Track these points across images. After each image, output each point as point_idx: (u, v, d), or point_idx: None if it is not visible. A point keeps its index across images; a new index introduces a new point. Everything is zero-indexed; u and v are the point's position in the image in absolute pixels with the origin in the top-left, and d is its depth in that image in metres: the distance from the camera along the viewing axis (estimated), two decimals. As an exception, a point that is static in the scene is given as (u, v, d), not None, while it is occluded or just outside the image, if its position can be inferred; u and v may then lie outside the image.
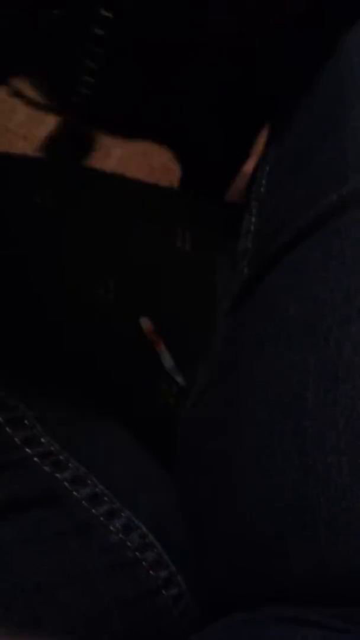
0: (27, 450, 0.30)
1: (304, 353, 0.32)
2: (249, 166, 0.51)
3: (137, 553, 0.30)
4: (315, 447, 0.29)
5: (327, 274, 0.34)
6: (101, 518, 0.30)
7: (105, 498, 0.31)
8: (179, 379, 0.45)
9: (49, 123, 1.04)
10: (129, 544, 0.30)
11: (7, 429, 0.30)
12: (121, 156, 0.95)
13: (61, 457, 0.31)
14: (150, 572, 0.30)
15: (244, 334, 0.38)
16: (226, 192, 0.64)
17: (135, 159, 0.92)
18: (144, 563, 0.30)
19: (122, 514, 0.31)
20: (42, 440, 0.31)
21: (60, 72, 0.43)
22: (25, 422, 0.31)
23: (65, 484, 0.30)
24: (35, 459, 0.30)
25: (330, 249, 0.35)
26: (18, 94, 0.46)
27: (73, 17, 0.40)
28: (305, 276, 0.35)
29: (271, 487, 0.30)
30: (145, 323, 0.46)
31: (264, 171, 0.44)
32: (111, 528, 0.30)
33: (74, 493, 0.30)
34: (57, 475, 0.30)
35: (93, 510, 0.30)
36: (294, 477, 0.29)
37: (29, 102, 0.47)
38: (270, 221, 0.41)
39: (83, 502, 0.30)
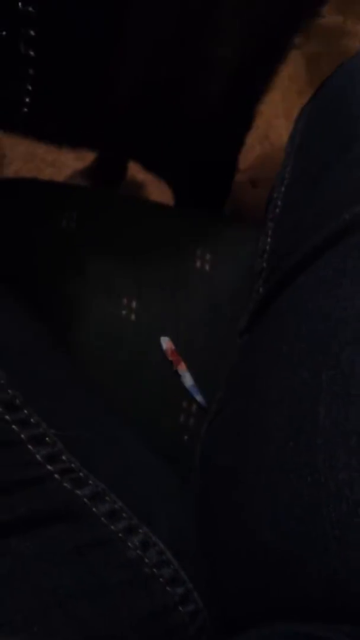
0: (48, 467, 0.31)
1: (316, 371, 0.33)
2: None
3: (154, 569, 0.31)
4: (327, 464, 0.30)
5: (340, 292, 0.35)
6: (120, 534, 0.31)
7: (124, 514, 0.31)
8: (199, 398, 0.46)
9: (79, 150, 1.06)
10: (146, 560, 0.31)
11: (30, 446, 0.31)
12: (144, 180, 0.97)
13: (81, 474, 0.32)
14: (167, 588, 0.31)
15: (258, 352, 0.39)
16: (222, 204, 0.65)
17: (159, 184, 0.94)
18: (161, 579, 0.31)
19: (140, 530, 0.31)
20: (63, 457, 0.32)
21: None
22: (47, 439, 0.32)
23: (85, 500, 0.31)
24: (56, 475, 0.31)
25: (343, 267, 0.36)
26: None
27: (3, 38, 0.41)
28: (317, 294, 0.36)
29: (283, 504, 0.30)
30: (166, 343, 0.47)
31: (280, 192, 0.45)
32: (129, 544, 0.31)
33: (93, 509, 0.31)
34: (77, 491, 0.31)
35: (112, 527, 0.31)
36: (305, 494, 0.30)
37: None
38: (285, 241, 0.42)
39: (102, 518, 0.31)
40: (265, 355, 0.38)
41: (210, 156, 0.60)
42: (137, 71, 0.49)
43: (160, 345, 0.47)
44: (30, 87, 0.44)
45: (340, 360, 0.32)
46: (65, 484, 0.31)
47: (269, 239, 0.44)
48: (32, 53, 0.43)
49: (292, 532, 0.30)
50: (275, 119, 1.22)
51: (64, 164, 1.03)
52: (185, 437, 0.46)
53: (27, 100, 0.45)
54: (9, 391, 0.31)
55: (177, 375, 0.47)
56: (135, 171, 0.99)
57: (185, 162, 0.59)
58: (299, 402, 0.32)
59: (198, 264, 0.49)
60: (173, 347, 0.47)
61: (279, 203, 0.45)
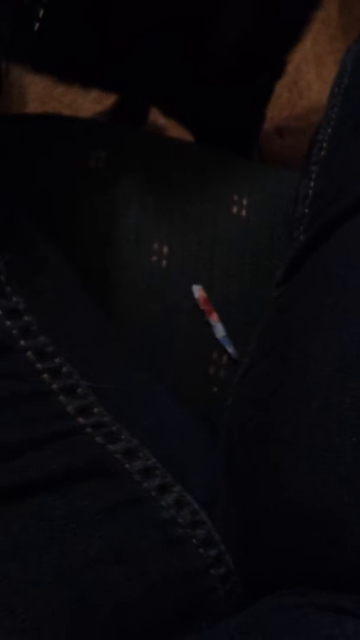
0: (79, 420, 0.29)
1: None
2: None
3: (187, 530, 0.29)
4: None
5: None
6: (153, 493, 0.29)
7: (157, 472, 0.30)
8: (231, 350, 0.44)
9: (93, 92, 1.02)
10: (180, 520, 0.29)
11: (61, 397, 0.29)
12: (168, 123, 0.93)
13: (114, 429, 0.30)
14: (200, 550, 0.29)
15: (298, 304, 0.36)
16: (249, 154, 0.62)
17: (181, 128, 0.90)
18: (194, 540, 0.29)
19: (174, 489, 0.30)
20: (95, 410, 0.30)
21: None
22: (79, 390, 0.30)
23: (118, 456, 0.29)
24: (88, 429, 0.29)
25: None
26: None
27: None
28: None
29: (325, 463, 0.28)
30: (198, 291, 0.44)
31: (326, 134, 0.42)
32: (162, 503, 0.29)
33: (126, 466, 0.29)
34: (110, 446, 0.29)
35: (145, 484, 0.29)
36: (349, 454, 0.28)
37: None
38: (330, 185, 0.39)
39: (135, 475, 0.29)
40: (305, 307, 0.35)
41: (237, 106, 0.56)
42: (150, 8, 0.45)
43: (192, 293, 0.44)
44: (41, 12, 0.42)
45: None
46: (97, 439, 0.29)
47: (312, 183, 0.41)
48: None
49: (333, 492, 0.28)
50: (305, 65, 1.16)
51: (82, 106, 0.99)
52: (215, 389, 0.44)
53: (36, 25, 0.42)
54: (41, 337, 0.29)
55: (209, 326, 0.44)
56: (157, 115, 0.96)
57: (209, 110, 0.56)
58: (345, 357, 0.30)
59: (235, 209, 0.46)
60: (205, 296, 0.44)
61: (325, 145, 0.42)
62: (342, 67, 0.45)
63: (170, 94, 0.54)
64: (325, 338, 0.32)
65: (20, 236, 0.36)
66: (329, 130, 0.42)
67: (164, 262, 0.44)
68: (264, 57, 0.56)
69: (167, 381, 0.44)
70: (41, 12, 0.41)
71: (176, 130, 0.92)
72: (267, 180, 0.48)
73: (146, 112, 0.95)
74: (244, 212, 0.46)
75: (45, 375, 0.29)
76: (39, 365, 0.29)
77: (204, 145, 0.48)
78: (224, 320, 0.44)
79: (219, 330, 0.44)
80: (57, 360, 0.30)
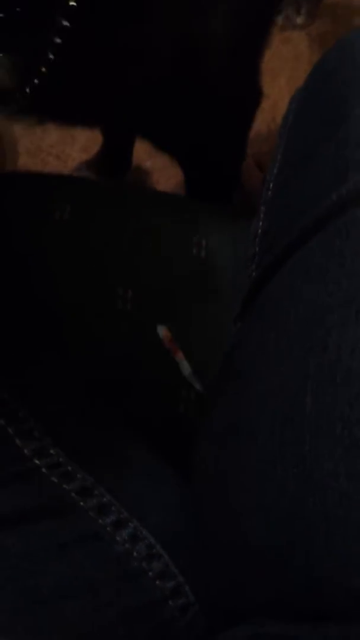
0: (35, 461, 0.31)
1: (303, 358, 0.32)
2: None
3: (143, 563, 0.30)
4: (313, 454, 0.29)
5: (327, 276, 0.34)
6: (108, 528, 0.31)
7: (113, 508, 0.31)
8: (198, 386, 0.46)
9: (81, 142, 1.06)
10: (135, 554, 0.30)
11: (17, 440, 0.31)
12: (151, 168, 0.96)
13: (69, 469, 0.31)
14: (157, 582, 0.30)
15: (249, 339, 0.38)
16: (232, 194, 0.64)
17: (165, 171, 0.93)
18: (150, 573, 0.30)
19: (130, 524, 0.31)
20: (51, 451, 0.32)
21: (22, 55, 0.45)
22: (35, 433, 0.32)
23: (73, 494, 0.31)
24: (44, 470, 0.31)
25: (331, 250, 0.35)
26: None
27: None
28: (306, 278, 0.35)
29: (270, 496, 0.30)
30: (163, 331, 0.46)
31: (272, 174, 0.44)
32: (117, 538, 0.30)
33: (81, 503, 0.31)
34: (65, 486, 0.31)
35: (100, 521, 0.31)
36: (292, 486, 0.29)
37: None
38: (276, 223, 0.41)
39: (90, 512, 0.31)
40: (255, 342, 0.37)
41: (218, 135, 0.59)
42: (154, 49, 0.49)
43: (157, 334, 0.46)
44: (52, 56, 0.45)
45: (327, 346, 0.31)
46: (52, 478, 0.31)
47: (260, 223, 0.43)
48: (66, 23, 0.43)
49: (279, 525, 0.29)
50: (282, 101, 1.20)
51: (69, 155, 1.02)
52: (185, 426, 0.45)
53: (44, 69, 0.45)
54: None
55: (175, 364, 0.46)
56: (141, 160, 0.99)
57: (195, 140, 0.58)
58: (287, 392, 0.32)
59: (195, 250, 0.48)
60: (170, 336, 0.46)
61: (271, 185, 0.44)
62: (288, 109, 0.47)
63: (161, 124, 0.57)
64: (270, 372, 0.34)
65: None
66: (275, 170, 0.44)
67: (129, 306, 0.46)
68: (236, 83, 0.59)
69: (138, 421, 0.45)
70: (58, 40, 0.44)
71: (160, 174, 0.96)
72: (226, 221, 0.50)
73: (130, 158, 0.99)
74: (203, 254, 0.48)
75: (1, 421, 0.31)
76: None
77: (163, 193, 0.51)
78: (189, 358, 0.46)
79: (185, 368, 0.46)
80: (13, 406, 0.31)
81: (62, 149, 1.05)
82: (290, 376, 0.32)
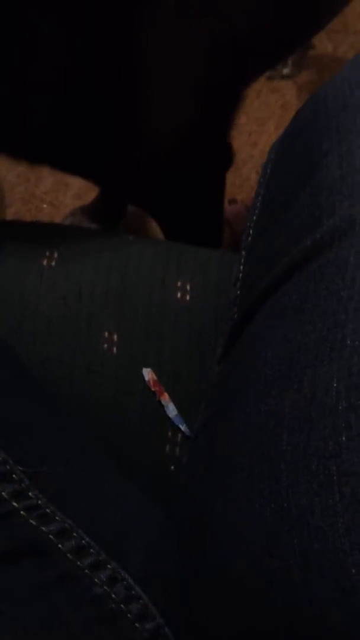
0: (14, 504, 0.31)
1: (280, 396, 0.33)
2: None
3: (121, 605, 0.30)
4: (290, 491, 0.30)
5: (302, 317, 0.35)
6: (86, 570, 0.31)
7: (92, 550, 0.31)
8: (184, 428, 0.46)
9: (74, 189, 1.08)
10: (113, 595, 0.30)
11: None
12: (146, 216, 0.98)
13: (48, 511, 0.32)
14: (136, 624, 0.30)
15: (230, 380, 0.39)
16: (219, 240, 0.66)
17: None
18: (128, 615, 0.30)
19: (109, 566, 0.31)
20: (30, 494, 0.32)
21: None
22: (14, 476, 0.32)
23: (51, 536, 0.31)
24: (22, 512, 0.31)
25: (306, 292, 0.36)
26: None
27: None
28: (282, 320, 0.36)
29: (249, 532, 0.30)
30: (148, 374, 0.47)
31: (252, 221, 0.46)
32: (96, 580, 0.30)
33: (59, 545, 0.31)
34: (43, 528, 0.31)
35: (78, 562, 0.31)
36: (269, 522, 0.29)
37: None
38: (255, 268, 0.42)
39: (68, 554, 0.31)
40: (235, 383, 0.38)
41: (192, 197, 0.61)
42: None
43: (142, 376, 0.47)
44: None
45: (302, 384, 0.32)
46: (31, 521, 0.31)
47: (241, 267, 0.44)
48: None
49: (259, 561, 0.29)
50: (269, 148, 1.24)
51: (63, 202, 1.04)
52: (172, 467, 0.46)
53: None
54: None
55: (161, 406, 0.47)
56: (136, 213, 1.01)
57: (170, 202, 0.60)
58: (264, 430, 0.32)
59: (179, 294, 0.49)
60: (155, 378, 0.47)
61: (251, 232, 0.45)
62: (267, 158, 0.49)
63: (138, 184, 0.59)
64: (249, 411, 0.34)
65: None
66: (254, 217, 0.45)
67: (115, 349, 0.47)
68: (205, 140, 0.61)
69: (125, 463, 0.46)
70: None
71: (155, 223, 0.97)
72: (211, 264, 0.51)
73: (124, 205, 1.01)
74: (188, 297, 0.49)
75: None
76: None
77: (148, 238, 0.52)
78: (175, 400, 0.47)
79: (171, 410, 0.46)
80: None
81: (55, 196, 1.08)
82: (268, 414, 0.33)
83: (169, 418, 0.46)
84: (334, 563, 0.27)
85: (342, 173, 0.38)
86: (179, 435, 0.46)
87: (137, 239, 0.52)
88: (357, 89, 0.42)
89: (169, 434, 0.46)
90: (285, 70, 1.20)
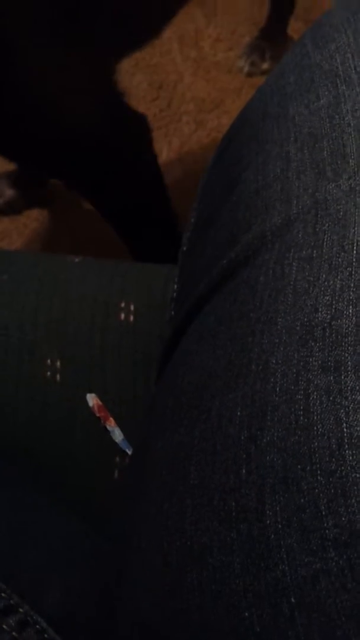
0: None
1: (191, 427, 0.32)
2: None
3: None
4: (193, 527, 0.29)
5: (216, 340, 0.34)
6: None
7: (3, 594, 0.31)
8: (130, 452, 0.45)
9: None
10: (22, 641, 0.30)
11: None
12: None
13: None
14: None
15: (155, 405, 0.38)
16: (172, 221, 0.65)
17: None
18: None
19: (20, 609, 0.31)
20: None
21: None
22: None
23: None
24: None
25: (221, 314, 0.35)
26: None
27: None
28: (199, 344, 0.35)
29: (156, 570, 0.29)
30: (92, 399, 0.46)
31: (186, 238, 0.45)
32: (4, 626, 0.30)
33: None
34: None
35: None
36: (174, 560, 0.29)
37: None
38: (185, 287, 0.41)
39: None
40: (158, 408, 0.37)
41: (123, 170, 0.60)
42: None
43: (87, 403, 0.46)
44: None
45: (210, 414, 0.31)
46: None
47: (175, 286, 0.43)
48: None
49: (162, 602, 0.29)
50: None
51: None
52: (120, 493, 0.45)
53: None
54: None
55: (107, 432, 0.46)
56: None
57: (110, 186, 0.60)
58: (175, 462, 0.32)
59: (122, 315, 0.48)
60: (100, 403, 0.46)
61: (184, 249, 0.44)
62: (205, 169, 0.48)
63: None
64: (164, 441, 0.34)
65: None
66: (188, 234, 0.44)
67: (58, 377, 0.47)
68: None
69: (73, 490, 0.45)
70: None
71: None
72: (155, 281, 0.50)
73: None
74: (131, 318, 0.48)
75: None
76: None
77: (91, 259, 0.51)
78: (122, 424, 0.46)
79: (117, 435, 0.46)
80: None
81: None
82: (179, 445, 0.32)
83: (116, 443, 0.46)
84: (229, 606, 0.26)
85: (257, 187, 0.37)
86: (127, 460, 0.46)
87: (82, 261, 0.52)
88: (277, 96, 0.41)
89: (117, 459, 0.46)
90: (264, 65, 1.18)
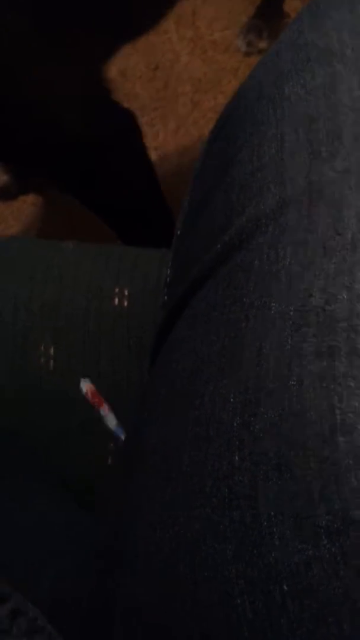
0: None
1: (185, 412, 0.31)
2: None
3: (24, 639, 0.30)
4: (186, 514, 0.28)
5: (209, 325, 0.33)
6: None
7: None
8: (124, 438, 0.45)
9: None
10: (14, 630, 0.30)
11: None
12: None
13: None
14: None
15: (149, 391, 0.37)
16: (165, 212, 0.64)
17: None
18: None
19: (11, 599, 0.30)
20: None
21: None
22: None
23: None
24: None
25: (214, 299, 0.34)
26: None
27: None
28: (192, 329, 0.35)
29: (149, 559, 0.29)
30: (86, 386, 0.46)
31: (180, 222, 0.44)
32: None
33: None
34: None
35: None
36: (166, 549, 0.28)
37: None
38: (179, 271, 0.41)
39: None
40: (150, 396, 0.36)
41: (114, 166, 0.60)
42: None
43: (80, 389, 0.46)
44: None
45: (204, 399, 0.31)
46: None
47: (169, 270, 0.43)
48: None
49: (156, 588, 0.28)
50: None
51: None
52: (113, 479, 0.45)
53: None
54: None
55: (101, 418, 0.46)
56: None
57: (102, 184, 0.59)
58: (168, 449, 0.31)
59: (116, 301, 0.48)
60: (94, 389, 0.46)
61: (178, 232, 0.44)
62: (200, 154, 0.47)
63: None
64: (157, 428, 0.33)
65: None
66: (182, 218, 0.44)
67: (52, 363, 0.46)
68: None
69: (68, 477, 0.45)
70: None
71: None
72: (150, 266, 0.50)
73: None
74: (125, 303, 0.48)
75: None
76: None
77: (83, 243, 0.51)
78: (116, 410, 0.46)
79: (111, 421, 0.45)
80: None
81: None
82: (172, 432, 0.32)
83: (110, 429, 0.45)
84: (221, 592, 0.26)
85: (252, 168, 0.36)
86: (120, 446, 0.45)
87: (77, 247, 0.51)
88: (272, 76, 0.40)
89: (111, 445, 0.45)
90: (262, 44, 1.16)
